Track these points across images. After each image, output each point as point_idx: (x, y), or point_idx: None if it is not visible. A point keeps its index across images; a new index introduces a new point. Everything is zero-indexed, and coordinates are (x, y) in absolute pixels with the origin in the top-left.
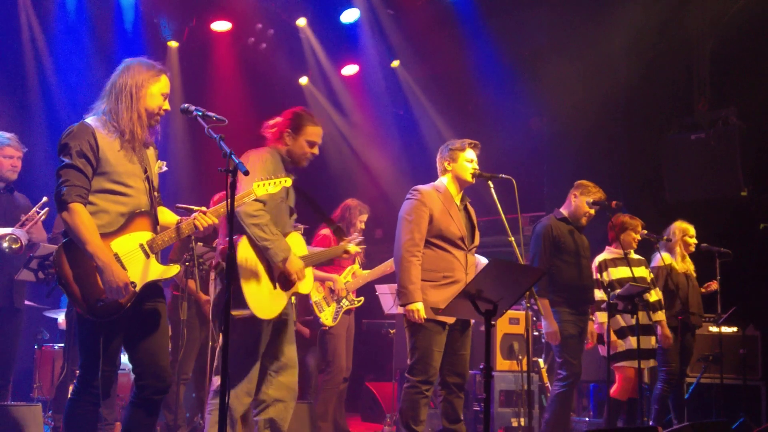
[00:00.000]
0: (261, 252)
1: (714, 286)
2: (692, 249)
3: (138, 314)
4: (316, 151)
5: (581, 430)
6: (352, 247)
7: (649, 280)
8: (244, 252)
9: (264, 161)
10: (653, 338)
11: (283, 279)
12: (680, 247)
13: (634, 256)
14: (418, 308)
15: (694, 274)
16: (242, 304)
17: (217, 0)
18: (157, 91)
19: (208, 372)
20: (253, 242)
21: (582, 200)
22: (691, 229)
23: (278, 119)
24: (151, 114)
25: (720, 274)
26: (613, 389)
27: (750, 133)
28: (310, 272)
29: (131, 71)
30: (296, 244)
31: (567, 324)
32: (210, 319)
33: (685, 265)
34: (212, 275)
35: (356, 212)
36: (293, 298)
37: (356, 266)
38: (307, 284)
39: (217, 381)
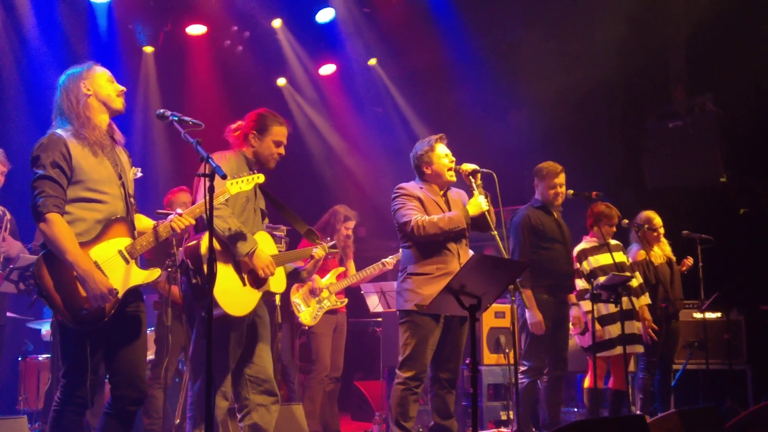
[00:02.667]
0: (226, 249)
1: (689, 261)
2: (660, 239)
3: (119, 322)
4: (282, 151)
5: (570, 421)
6: (318, 251)
7: (628, 264)
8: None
9: (228, 161)
10: (637, 323)
11: (253, 277)
12: (646, 237)
13: (611, 241)
14: (476, 205)
15: (674, 258)
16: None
17: (191, 4)
18: (100, 80)
19: (185, 378)
20: (218, 238)
21: (544, 185)
22: (656, 219)
23: (241, 123)
24: (110, 99)
25: (702, 261)
26: (588, 381)
27: (727, 118)
28: (282, 271)
29: (65, 84)
30: (264, 242)
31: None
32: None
33: (662, 252)
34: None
35: (341, 218)
36: (278, 298)
37: (342, 268)
38: (279, 283)
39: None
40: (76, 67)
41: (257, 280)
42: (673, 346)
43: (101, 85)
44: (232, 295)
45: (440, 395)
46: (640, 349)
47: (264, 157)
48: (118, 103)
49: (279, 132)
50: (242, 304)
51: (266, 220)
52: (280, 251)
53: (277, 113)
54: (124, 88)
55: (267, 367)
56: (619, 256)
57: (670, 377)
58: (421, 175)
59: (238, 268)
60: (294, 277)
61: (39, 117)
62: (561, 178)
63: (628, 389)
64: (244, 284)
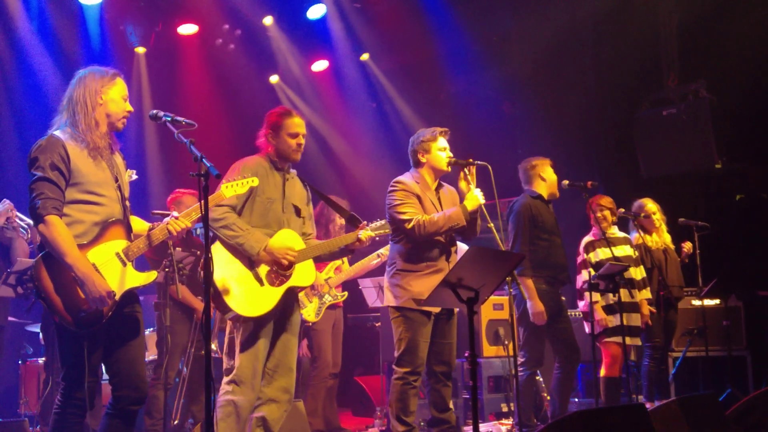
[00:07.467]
0: (238, 252)
1: (687, 246)
2: (657, 224)
3: (117, 323)
4: (301, 140)
5: (570, 411)
6: (365, 233)
7: (634, 257)
8: (220, 256)
9: (242, 166)
10: (637, 316)
11: (276, 273)
12: (642, 224)
13: (618, 234)
14: (473, 199)
15: (672, 247)
16: (223, 306)
17: (182, 3)
18: (116, 95)
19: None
20: (226, 244)
21: (551, 174)
22: (648, 206)
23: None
24: (116, 117)
25: (699, 247)
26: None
27: (720, 105)
28: (310, 264)
29: (85, 81)
30: (289, 238)
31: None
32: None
33: (660, 240)
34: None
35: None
36: (309, 297)
37: (339, 261)
38: (306, 277)
39: (224, 382)
40: (101, 68)
41: (280, 276)
42: (669, 335)
43: (115, 100)
44: (244, 295)
45: (436, 389)
46: (638, 341)
47: (284, 152)
48: (120, 124)
49: (290, 124)
50: (257, 304)
51: (303, 218)
52: None
53: (289, 108)
54: (131, 109)
55: (288, 363)
56: (625, 250)
57: (668, 365)
58: (416, 163)
59: (254, 268)
60: (346, 252)
61: (33, 119)
62: None
63: (629, 377)
64: (262, 284)
